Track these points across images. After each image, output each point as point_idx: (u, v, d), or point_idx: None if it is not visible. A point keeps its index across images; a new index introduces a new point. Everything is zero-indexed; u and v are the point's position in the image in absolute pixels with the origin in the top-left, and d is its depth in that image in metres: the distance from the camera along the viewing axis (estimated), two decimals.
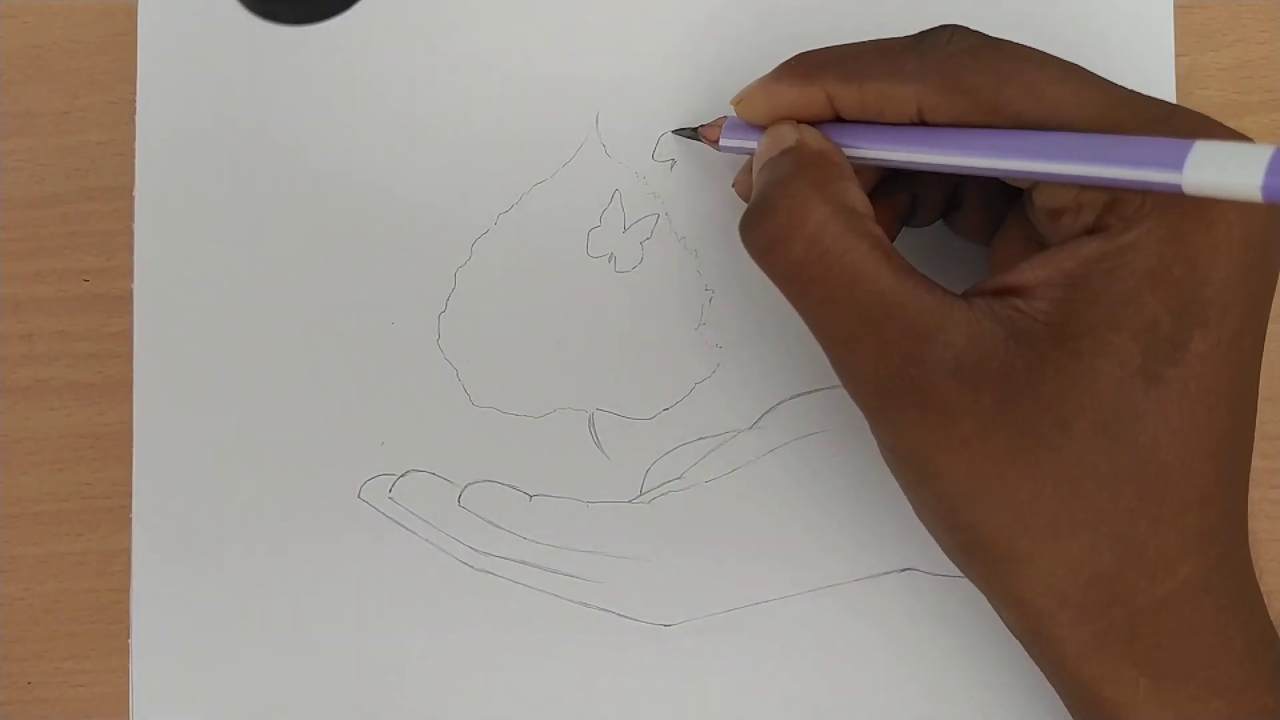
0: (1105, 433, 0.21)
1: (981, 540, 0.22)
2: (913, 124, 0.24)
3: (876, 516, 0.29)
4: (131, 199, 0.30)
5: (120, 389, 0.30)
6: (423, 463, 0.30)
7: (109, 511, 0.30)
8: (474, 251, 0.30)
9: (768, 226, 0.23)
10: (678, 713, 0.29)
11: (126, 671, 0.30)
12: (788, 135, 0.25)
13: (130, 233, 0.30)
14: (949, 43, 0.23)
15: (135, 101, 0.30)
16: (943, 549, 0.24)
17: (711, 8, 0.30)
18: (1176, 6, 0.30)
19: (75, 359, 0.31)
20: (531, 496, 0.30)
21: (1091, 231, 0.22)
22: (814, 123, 0.25)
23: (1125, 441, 0.21)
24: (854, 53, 0.24)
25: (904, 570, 0.29)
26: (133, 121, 0.30)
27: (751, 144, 0.26)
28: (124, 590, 0.30)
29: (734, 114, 0.27)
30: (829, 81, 0.24)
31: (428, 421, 0.30)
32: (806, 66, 0.25)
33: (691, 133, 0.29)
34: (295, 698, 0.30)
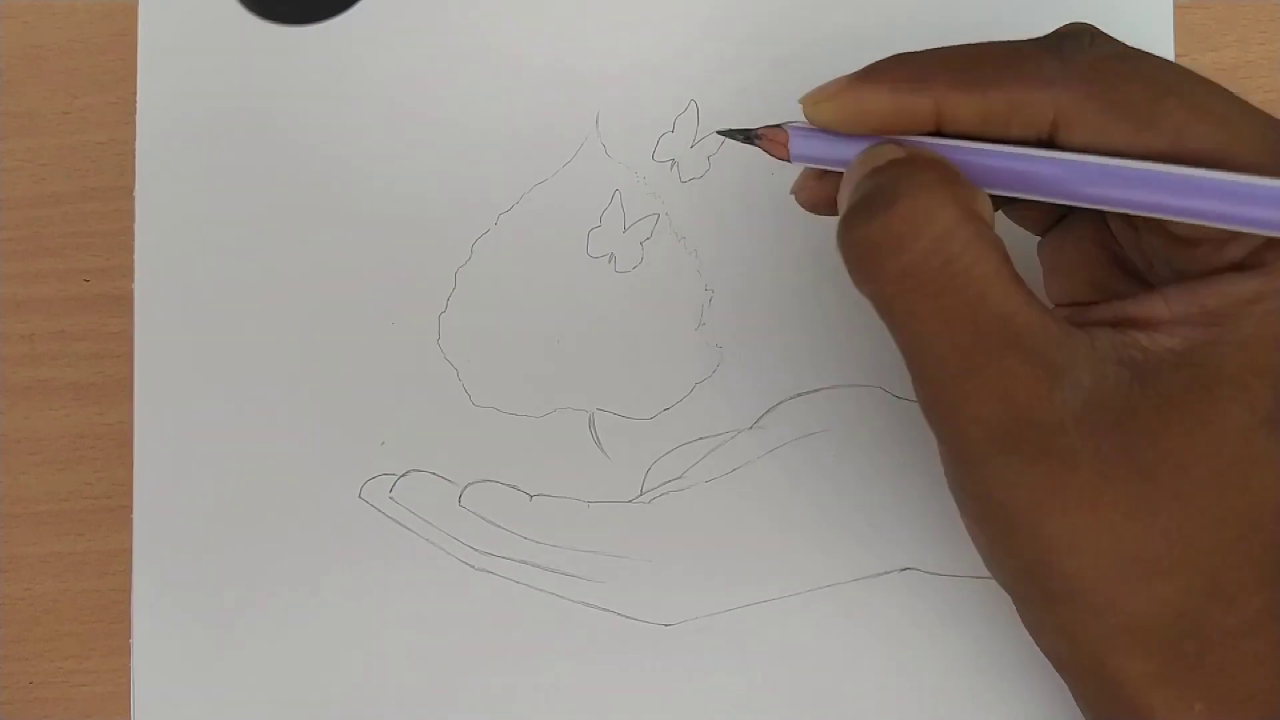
0: (1220, 478, 0.20)
1: (1075, 590, 0.21)
2: (1039, 143, 0.21)
3: (876, 516, 0.29)
4: (131, 199, 0.30)
5: (120, 389, 0.30)
6: (423, 463, 0.30)
7: (109, 511, 0.30)
8: (474, 251, 0.30)
9: (883, 223, 0.20)
10: (678, 713, 0.29)
11: (127, 671, 0.30)
12: (891, 150, 0.21)
13: (130, 233, 0.30)
14: (1092, 46, 0.21)
15: (135, 101, 0.30)
16: (1014, 593, 0.22)
17: (713, 7, 0.30)
18: (1176, 6, 0.30)
19: (75, 359, 0.31)
20: (532, 496, 0.30)
21: (1241, 265, 0.20)
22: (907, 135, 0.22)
23: (1236, 487, 0.20)
24: (973, 56, 0.21)
25: (904, 570, 0.29)
26: (133, 121, 0.30)
27: (833, 158, 0.23)
28: (124, 590, 0.30)
29: (798, 120, 0.23)
30: (941, 89, 0.21)
31: (428, 421, 0.30)
32: (912, 70, 0.21)
33: (744, 136, 0.24)
34: (295, 698, 0.30)
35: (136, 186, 0.30)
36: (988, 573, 0.29)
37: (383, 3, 0.30)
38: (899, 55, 0.22)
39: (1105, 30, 0.30)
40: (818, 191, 0.24)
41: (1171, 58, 0.30)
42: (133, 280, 0.30)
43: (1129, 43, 0.30)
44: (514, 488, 0.30)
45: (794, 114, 0.31)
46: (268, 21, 0.30)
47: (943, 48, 0.22)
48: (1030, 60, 0.21)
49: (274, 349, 0.30)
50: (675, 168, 0.30)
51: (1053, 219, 0.25)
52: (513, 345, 0.30)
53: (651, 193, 0.30)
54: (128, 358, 0.30)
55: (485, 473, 0.30)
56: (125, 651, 0.30)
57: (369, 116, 0.30)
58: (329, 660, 0.30)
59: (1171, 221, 0.20)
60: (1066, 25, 0.22)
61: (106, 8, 0.31)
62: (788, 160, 0.24)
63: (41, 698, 0.30)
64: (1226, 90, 0.21)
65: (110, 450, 0.30)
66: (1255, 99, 0.30)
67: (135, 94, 0.30)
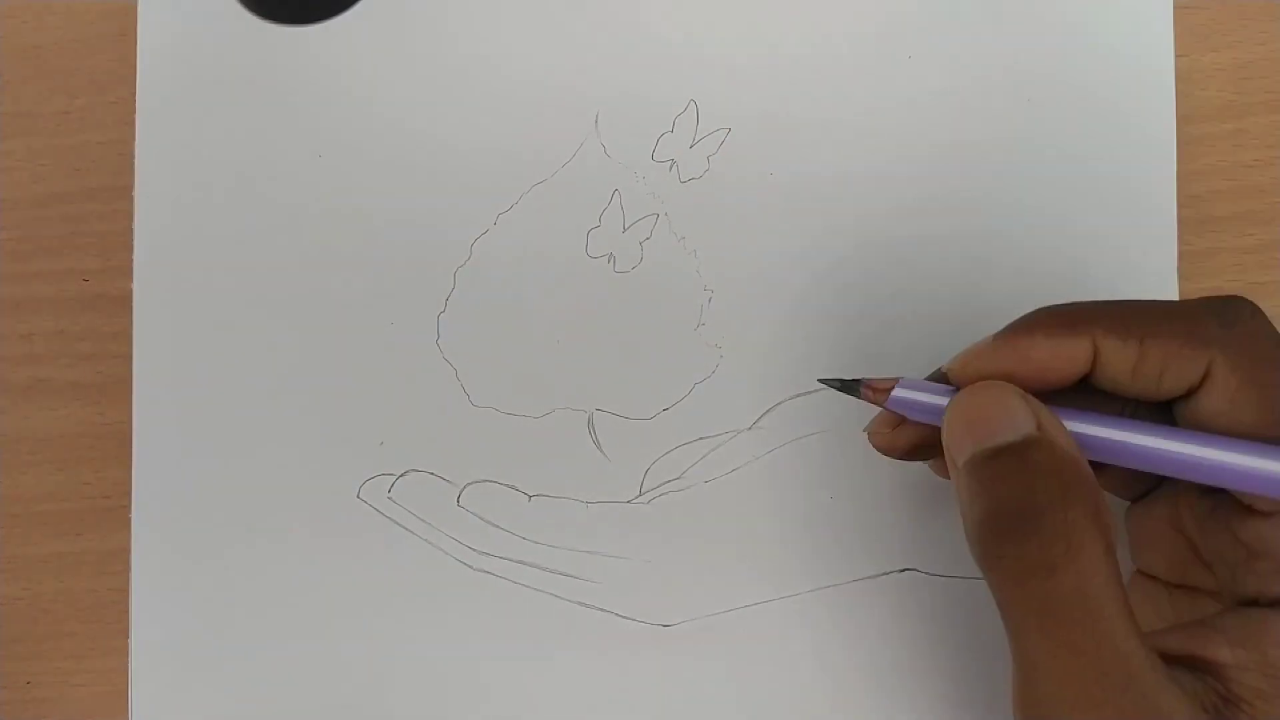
0: None
1: None
2: (1173, 398, 0.22)
3: (876, 516, 0.29)
4: (131, 199, 0.30)
5: (120, 389, 0.30)
6: (422, 462, 0.30)
7: (109, 511, 0.30)
8: (474, 251, 0.30)
9: (1034, 548, 0.20)
10: (678, 713, 0.29)
11: (126, 671, 0.30)
12: (1020, 416, 0.22)
13: (130, 233, 0.30)
14: (1253, 318, 0.22)
15: (135, 101, 0.30)
16: None
17: (712, 7, 0.30)
18: (1176, 6, 0.30)
19: (75, 359, 0.31)
20: (531, 496, 0.30)
21: None
22: (1054, 390, 0.23)
23: None
24: (1133, 307, 0.22)
25: (904, 570, 0.29)
26: (133, 121, 0.30)
27: (937, 404, 0.23)
28: (124, 590, 0.30)
29: (903, 380, 0.24)
30: (1100, 333, 0.22)
31: (427, 421, 0.30)
32: (1068, 317, 0.22)
33: (843, 385, 0.25)
34: (295, 698, 0.30)
35: (136, 186, 0.30)
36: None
37: (383, 3, 0.30)
38: (1046, 308, 0.23)
39: (1106, 30, 0.30)
40: (895, 439, 0.25)
41: (1171, 58, 0.30)
42: (132, 280, 0.30)
43: (1130, 43, 0.30)
44: (513, 488, 0.30)
45: (793, 115, 0.31)
46: (268, 21, 0.30)
47: (1096, 301, 0.23)
48: (1192, 319, 0.22)
49: (273, 349, 0.30)
50: (674, 168, 0.30)
51: (1141, 489, 0.25)
52: (512, 345, 0.30)
53: (651, 193, 0.30)
54: (127, 358, 0.30)
55: (484, 473, 0.30)
56: (123, 651, 0.30)
57: (368, 116, 0.30)
58: (327, 660, 0.30)
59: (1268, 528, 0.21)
60: (1229, 296, 0.23)
61: (106, 8, 0.31)
62: (882, 406, 0.24)
63: (40, 697, 0.30)
64: None
65: (109, 450, 0.30)
66: (1255, 99, 0.30)
67: (135, 94, 0.30)
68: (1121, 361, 0.22)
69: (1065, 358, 0.22)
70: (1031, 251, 0.30)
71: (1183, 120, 0.30)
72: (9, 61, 0.31)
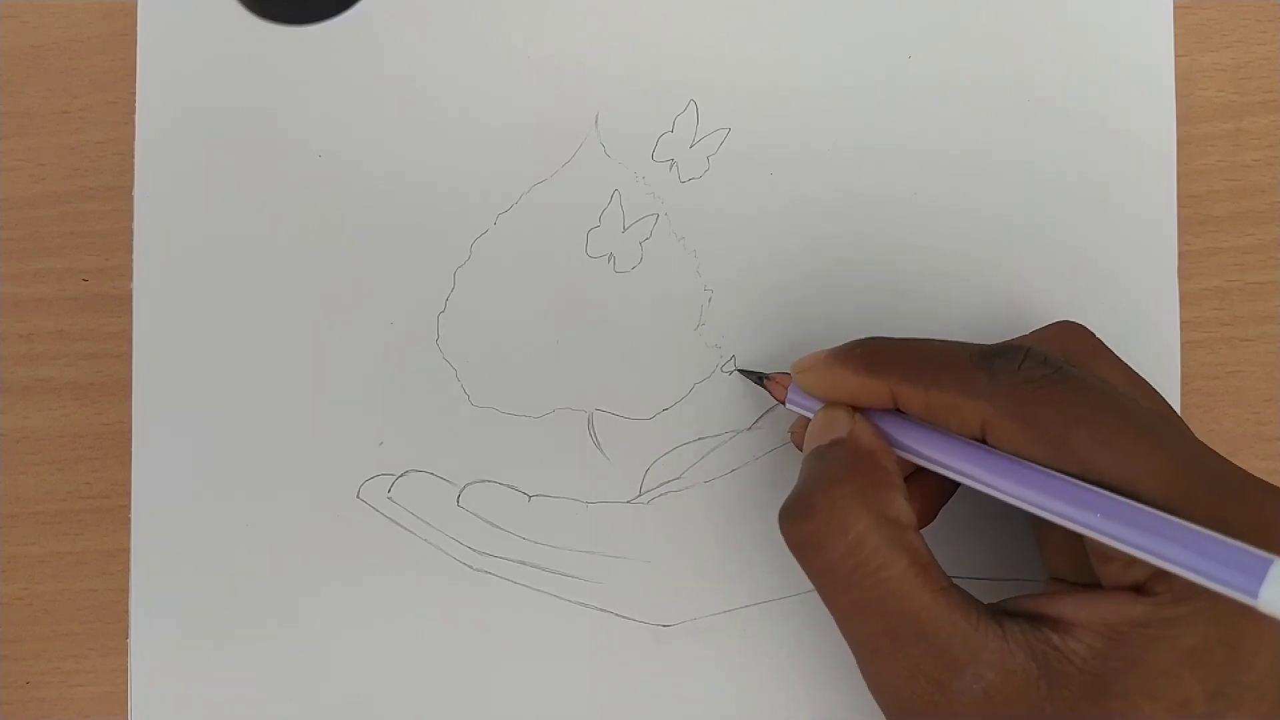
0: None
1: None
2: (975, 439, 0.23)
3: None
4: (130, 199, 0.30)
5: (120, 389, 0.30)
6: (421, 463, 0.30)
7: (108, 511, 0.30)
8: (474, 251, 0.30)
9: (807, 527, 0.23)
10: (677, 713, 0.29)
11: (125, 671, 0.30)
12: (841, 423, 0.24)
13: (130, 233, 0.30)
14: (1021, 368, 0.23)
15: (135, 101, 0.30)
16: None
17: (712, 8, 0.30)
18: (1176, 6, 0.30)
19: (75, 359, 0.31)
20: (530, 497, 0.30)
21: (1139, 588, 0.22)
22: (875, 409, 0.25)
23: None
24: (923, 355, 0.24)
25: None
26: (133, 121, 0.30)
27: (814, 409, 0.26)
28: (123, 590, 0.30)
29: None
30: (894, 380, 0.24)
31: (427, 421, 0.30)
32: (873, 359, 0.24)
33: (757, 378, 0.28)
34: (294, 697, 0.30)
35: (135, 186, 0.30)
36: (988, 574, 0.29)
37: (382, 3, 0.30)
38: (868, 341, 0.25)
39: (1106, 30, 0.30)
40: (797, 437, 0.27)
41: (1171, 58, 0.30)
42: (131, 280, 0.30)
43: (1130, 43, 0.30)
44: (512, 488, 0.30)
45: (793, 115, 0.31)
46: (267, 21, 0.30)
47: (903, 341, 0.25)
48: (965, 372, 0.23)
49: (273, 349, 0.30)
50: (674, 168, 0.30)
51: None
52: (512, 345, 0.30)
53: (651, 193, 0.30)
54: (126, 358, 0.30)
55: (484, 473, 0.30)
56: (123, 651, 0.30)
57: (368, 117, 0.30)
58: (326, 660, 0.30)
59: (1087, 538, 0.22)
60: (1006, 342, 0.24)
61: (106, 8, 0.31)
62: (780, 402, 0.27)
63: (39, 697, 0.30)
64: (1146, 426, 0.22)
65: (108, 450, 0.30)
66: (1255, 99, 0.30)
67: (135, 94, 0.30)
68: (915, 406, 0.24)
69: (868, 394, 0.24)
70: (1032, 251, 0.30)
71: (1182, 120, 0.30)
72: (9, 61, 0.31)
